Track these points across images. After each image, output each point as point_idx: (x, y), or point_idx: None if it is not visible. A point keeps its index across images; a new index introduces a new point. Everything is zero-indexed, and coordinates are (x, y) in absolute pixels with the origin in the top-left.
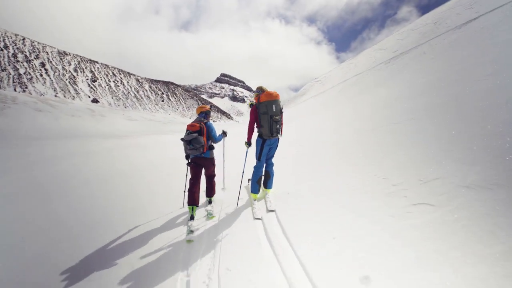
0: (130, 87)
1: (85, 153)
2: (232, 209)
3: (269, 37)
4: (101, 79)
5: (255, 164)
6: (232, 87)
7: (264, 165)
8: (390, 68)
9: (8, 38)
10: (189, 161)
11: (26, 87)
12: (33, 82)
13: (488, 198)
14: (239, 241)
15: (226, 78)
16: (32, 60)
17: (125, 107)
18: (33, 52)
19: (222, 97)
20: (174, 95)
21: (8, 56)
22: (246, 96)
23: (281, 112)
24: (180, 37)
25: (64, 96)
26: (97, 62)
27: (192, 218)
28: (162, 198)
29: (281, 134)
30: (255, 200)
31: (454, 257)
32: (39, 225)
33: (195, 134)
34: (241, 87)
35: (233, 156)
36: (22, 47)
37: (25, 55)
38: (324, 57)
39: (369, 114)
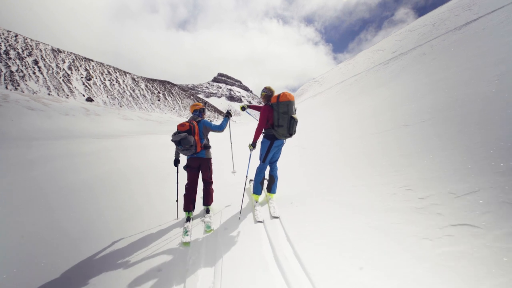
0: (126, 86)
1: (80, 154)
2: (233, 211)
3: (266, 37)
4: (96, 78)
5: (258, 165)
6: (229, 86)
7: (268, 168)
8: (389, 69)
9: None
10: (177, 165)
11: (18, 85)
12: (26, 80)
13: None
14: (241, 251)
15: (223, 78)
16: (25, 57)
17: (121, 106)
18: (26, 49)
19: (219, 97)
20: (171, 95)
21: (0, 53)
22: (243, 96)
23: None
24: (177, 36)
25: (58, 95)
26: (92, 60)
27: (188, 219)
28: (159, 200)
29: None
30: (256, 202)
31: None
32: (35, 229)
33: (184, 134)
34: (238, 87)
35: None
36: (15, 44)
37: (18, 52)
38: (321, 58)
39: (372, 115)
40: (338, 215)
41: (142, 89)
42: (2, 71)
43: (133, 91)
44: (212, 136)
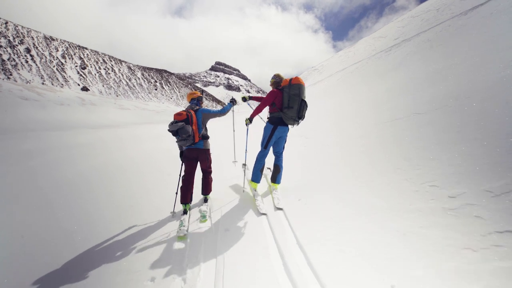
0: (122, 74)
1: (75, 146)
2: (234, 206)
3: (265, 24)
4: (91, 66)
5: (259, 152)
6: (227, 75)
7: (268, 154)
8: (392, 56)
9: None
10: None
11: (11, 74)
12: (18, 69)
13: None
14: (243, 245)
15: (221, 67)
16: (17, 45)
17: (117, 96)
18: (17, 37)
19: (217, 86)
20: (168, 84)
21: None
22: (241, 85)
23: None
24: (173, 23)
25: (52, 84)
26: (86, 49)
27: (185, 212)
28: (156, 193)
29: (297, 124)
30: (255, 190)
31: None
32: (31, 225)
33: (181, 123)
34: (236, 76)
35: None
36: (5, 32)
37: (9, 40)
38: (320, 46)
39: (379, 103)
40: (354, 215)
41: (139, 78)
42: None
43: (129, 80)
44: (213, 124)
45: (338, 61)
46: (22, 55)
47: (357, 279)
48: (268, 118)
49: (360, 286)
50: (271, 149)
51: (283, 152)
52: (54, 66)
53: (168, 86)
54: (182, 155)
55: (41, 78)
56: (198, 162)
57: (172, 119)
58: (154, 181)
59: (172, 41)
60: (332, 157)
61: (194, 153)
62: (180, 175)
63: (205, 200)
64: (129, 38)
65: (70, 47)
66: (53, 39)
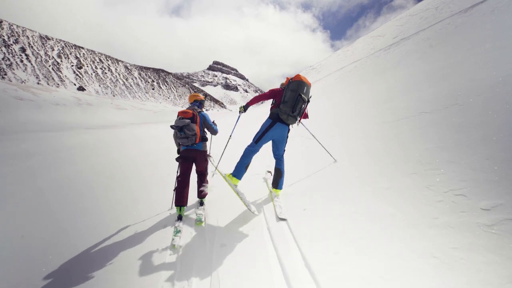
0: (119, 74)
1: (71, 148)
2: (232, 206)
3: (263, 24)
4: (87, 66)
5: (248, 145)
6: (225, 75)
7: (256, 152)
8: (391, 55)
9: None
10: (178, 155)
11: (5, 74)
12: (13, 69)
13: None
14: (242, 266)
15: (218, 66)
16: (11, 44)
17: (114, 95)
18: (12, 36)
19: (215, 86)
20: (165, 83)
21: None
22: (239, 85)
23: (308, 101)
24: (171, 23)
25: (48, 84)
26: (82, 48)
27: (180, 218)
28: (156, 194)
29: (298, 122)
30: (236, 186)
31: None
32: (33, 224)
33: (188, 120)
34: (234, 75)
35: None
36: (0, 31)
37: (3, 39)
38: (318, 45)
39: (382, 102)
40: (372, 231)
41: (136, 78)
42: None
43: (126, 79)
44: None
45: (336, 60)
46: (17, 55)
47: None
48: (269, 114)
49: None
50: (269, 152)
51: (284, 155)
52: (49, 66)
53: (166, 86)
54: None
55: (37, 77)
56: (194, 164)
57: (170, 119)
58: (154, 181)
59: (170, 40)
60: (336, 158)
61: (192, 153)
62: (176, 176)
63: (201, 204)
64: (127, 37)
65: (66, 46)
66: (49, 38)
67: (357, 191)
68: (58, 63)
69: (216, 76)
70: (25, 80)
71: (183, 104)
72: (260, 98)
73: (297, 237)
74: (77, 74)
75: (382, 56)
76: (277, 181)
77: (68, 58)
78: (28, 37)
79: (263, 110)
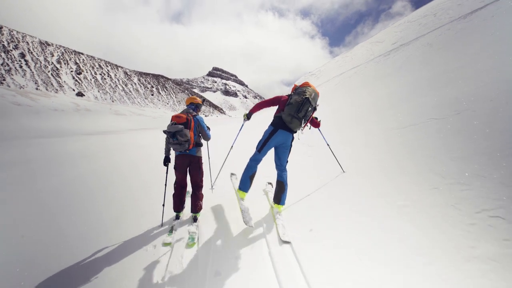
0: (118, 80)
1: (62, 155)
2: (230, 224)
3: (262, 30)
4: (87, 72)
5: (252, 155)
6: (224, 81)
7: (260, 161)
8: (391, 60)
9: None
10: (167, 163)
11: (4, 79)
12: (12, 74)
13: None
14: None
15: (218, 72)
16: (11, 50)
17: (113, 101)
18: (12, 42)
19: (214, 91)
20: (165, 89)
21: None
22: (238, 90)
23: (314, 109)
24: (171, 30)
25: (47, 89)
26: (82, 54)
27: (177, 217)
28: (158, 198)
29: (302, 129)
30: (242, 200)
31: None
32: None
33: (181, 126)
34: (233, 81)
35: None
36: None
37: (3, 45)
38: (317, 52)
39: (385, 108)
40: (391, 259)
41: (135, 84)
42: None
43: (126, 85)
44: (216, 127)
45: (335, 66)
46: (16, 60)
47: None
48: (273, 119)
49: None
50: (269, 159)
51: (287, 166)
52: (49, 71)
53: (165, 92)
54: (167, 160)
55: (35, 83)
56: (188, 171)
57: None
58: (158, 191)
59: (170, 46)
60: (344, 169)
61: (186, 159)
62: (165, 184)
63: (194, 220)
64: (127, 43)
65: (66, 52)
66: (49, 44)
67: (371, 209)
68: (57, 68)
69: (215, 82)
70: (23, 85)
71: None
72: (263, 104)
73: (303, 265)
74: (76, 80)
75: (382, 61)
76: (279, 196)
77: (68, 64)
78: (28, 42)
79: (266, 114)
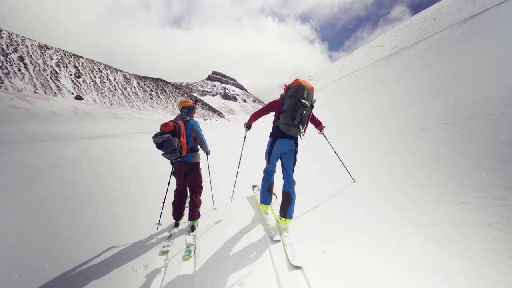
0: (117, 83)
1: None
2: (232, 236)
3: (261, 35)
4: (86, 75)
5: (264, 168)
6: (223, 85)
7: (274, 172)
8: (392, 64)
9: None
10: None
11: (2, 83)
12: (10, 77)
13: None
14: None
15: (217, 76)
16: (10, 53)
17: (111, 105)
18: (11, 45)
19: (214, 95)
20: (164, 93)
21: None
22: (238, 94)
23: (312, 106)
24: (171, 34)
25: (45, 93)
26: (81, 57)
27: (176, 225)
28: (158, 201)
29: (303, 134)
30: (266, 214)
31: None
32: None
33: (167, 135)
34: (233, 85)
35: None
36: None
37: (2, 48)
38: (317, 56)
39: (391, 111)
40: None
41: (134, 87)
42: None
43: (125, 89)
44: (219, 131)
45: (335, 70)
46: (15, 63)
47: None
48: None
49: None
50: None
51: (293, 174)
52: (47, 75)
53: (164, 95)
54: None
55: (34, 86)
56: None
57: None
58: (157, 195)
59: (170, 50)
60: (355, 178)
61: (183, 166)
62: (168, 183)
63: (192, 229)
64: (127, 47)
65: (65, 55)
66: (48, 48)
67: (394, 229)
68: (56, 72)
69: (215, 86)
70: (22, 89)
71: None
72: (259, 114)
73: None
74: (75, 83)
75: (383, 65)
76: (286, 208)
77: (67, 67)
78: (27, 46)
79: (264, 120)
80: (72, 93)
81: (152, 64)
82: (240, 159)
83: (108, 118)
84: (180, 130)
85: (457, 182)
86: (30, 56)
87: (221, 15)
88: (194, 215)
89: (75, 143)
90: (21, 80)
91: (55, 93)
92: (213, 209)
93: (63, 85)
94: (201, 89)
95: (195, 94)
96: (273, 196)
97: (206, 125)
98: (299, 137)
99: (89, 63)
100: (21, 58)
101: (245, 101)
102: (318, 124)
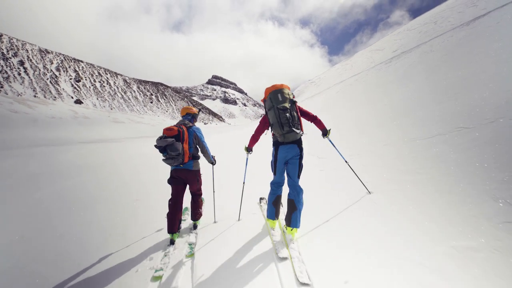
0: (117, 87)
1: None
2: (233, 245)
3: (261, 39)
4: (86, 79)
5: (272, 180)
6: (223, 89)
7: (282, 184)
8: (393, 68)
9: None
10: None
11: (2, 87)
12: (10, 81)
13: None
14: None
15: (217, 80)
16: (10, 58)
17: (111, 109)
18: (11, 49)
19: (214, 99)
20: (164, 97)
21: None
22: (237, 98)
23: (293, 102)
24: (171, 38)
25: (45, 97)
26: (81, 61)
27: (172, 242)
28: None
29: (301, 130)
30: (273, 229)
31: None
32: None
33: (171, 139)
34: (233, 89)
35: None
36: None
37: (2, 53)
38: (316, 60)
39: (399, 115)
40: None
41: (134, 91)
42: None
43: (125, 93)
44: (223, 136)
45: (336, 74)
46: (15, 68)
47: None
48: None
49: None
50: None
51: (299, 182)
52: (47, 79)
53: (164, 99)
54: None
55: (34, 90)
56: (187, 185)
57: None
58: (157, 197)
59: (170, 55)
60: (370, 189)
61: (183, 174)
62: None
63: (194, 227)
64: (127, 51)
65: (65, 59)
66: (48, 52)
67: (429, 255)
68: (56, 76)
69: (215, 90)
70: (21, 93)
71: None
72: (256, 135)
73: None
74: (75, 87)
75: (384, 69)
76: (290, 216)
77: (67, 72)
78: (27, 50)
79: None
80: (72, 97)
81: (152, 68)
82: (244, 182)
83: (108, 122)
84: (184, 135)
85: (496, 196)
86: (30, 60)
87: (221, 20)
88: (196, 216)
89: (76, 148)
90: (20, 84)
91: (55, 97)
92: (213, 223)
93: (63, 89)
94: (201, 93)
95: (195, 98)
96: (281, 208)
97: (207, 129)
98: (300, 138)
99: (89, 67)
100: (21, 63)
101: (245, 105)
102: (313, 119)
